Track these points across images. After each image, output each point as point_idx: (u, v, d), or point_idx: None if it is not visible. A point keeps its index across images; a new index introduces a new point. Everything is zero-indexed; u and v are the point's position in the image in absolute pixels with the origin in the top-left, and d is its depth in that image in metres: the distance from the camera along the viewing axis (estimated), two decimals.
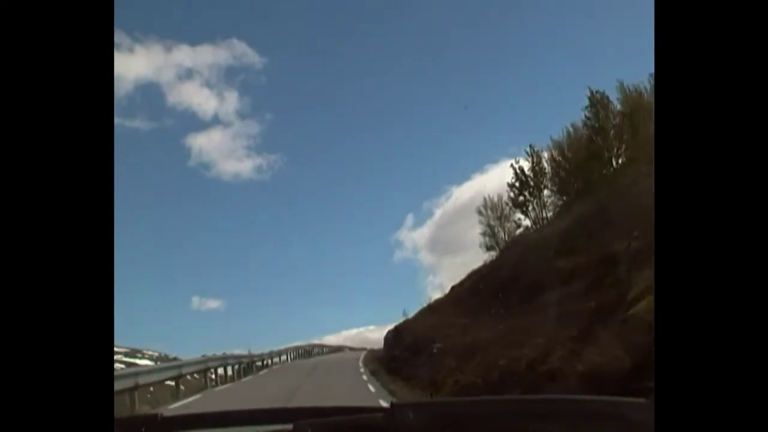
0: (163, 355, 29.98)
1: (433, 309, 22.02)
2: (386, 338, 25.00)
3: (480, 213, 26.27)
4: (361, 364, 22.44)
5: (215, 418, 1.20)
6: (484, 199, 26.23)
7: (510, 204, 24.47)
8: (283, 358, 28.92)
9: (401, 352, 18.25)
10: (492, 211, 26.35)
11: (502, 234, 25.75)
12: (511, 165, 23.44)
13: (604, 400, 1.15)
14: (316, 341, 40.26)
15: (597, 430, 1.07)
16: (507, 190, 24.19)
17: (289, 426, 1.07)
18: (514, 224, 24.79)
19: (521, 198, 23.52)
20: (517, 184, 23.37)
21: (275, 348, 28.34)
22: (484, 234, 26.29)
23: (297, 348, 34.13)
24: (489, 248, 26.17)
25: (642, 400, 1.03)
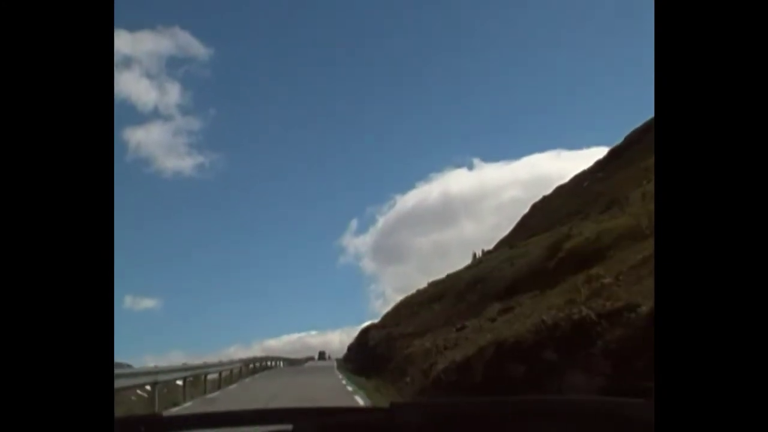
0: None
1: None
2: None
3: None
4: None
5: (215, 418, 1.20)
6: None
7: None
8: None
9: None
10: None
11: None
12: None
13: (604, 400, 1.15)
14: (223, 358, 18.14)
15: (597, 430, 1.06)
16: None
17: (289, 426, 1.07)
18: None
19: None
20: None
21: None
22: None
23: None
24: None
25: (642, 400, 1.02)
